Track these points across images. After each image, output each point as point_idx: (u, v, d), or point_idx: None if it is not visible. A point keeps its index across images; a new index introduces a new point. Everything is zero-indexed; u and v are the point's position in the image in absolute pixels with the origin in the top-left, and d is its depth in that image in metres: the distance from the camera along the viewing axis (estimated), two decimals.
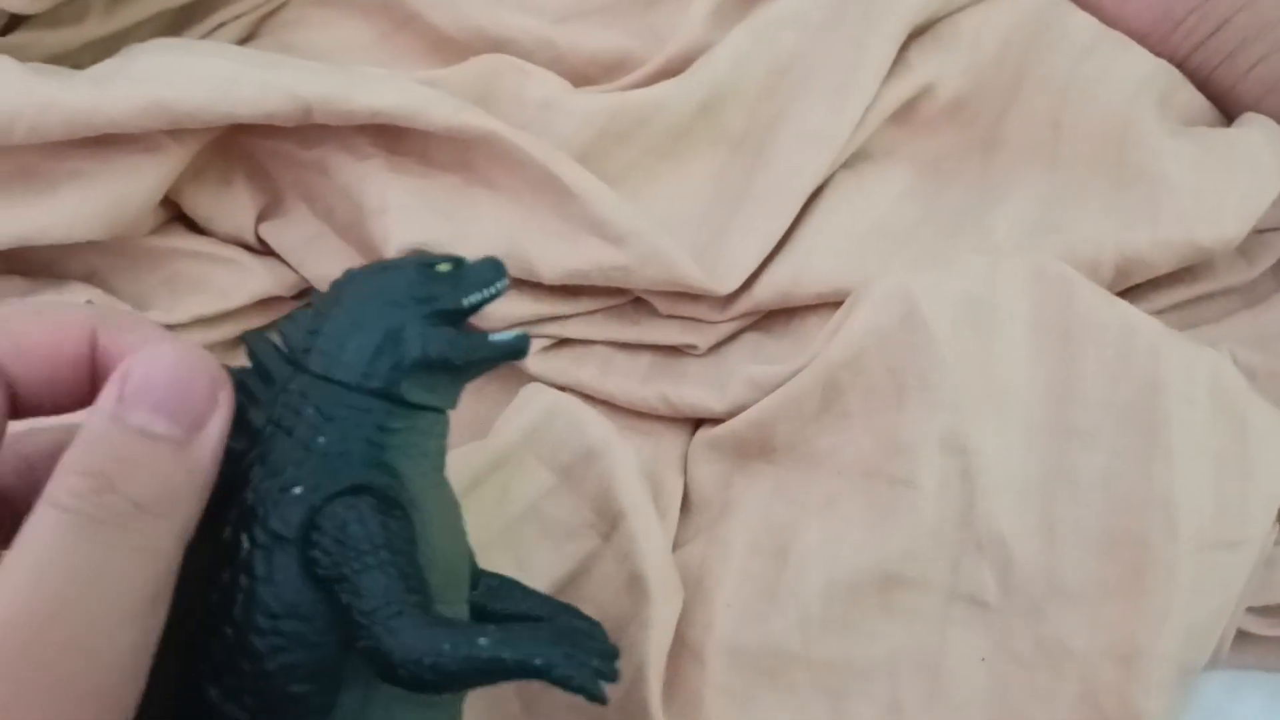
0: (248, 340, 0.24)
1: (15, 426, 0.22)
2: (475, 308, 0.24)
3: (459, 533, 0.25)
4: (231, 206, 0.40)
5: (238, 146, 0.39)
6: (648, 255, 0.36)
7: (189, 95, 0.35)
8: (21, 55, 0.37)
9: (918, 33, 0.42)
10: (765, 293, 0.38)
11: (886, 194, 0.40)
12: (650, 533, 0.32)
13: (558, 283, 0.37)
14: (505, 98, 0.39)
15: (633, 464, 0.33)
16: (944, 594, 0.31)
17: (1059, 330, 0.33)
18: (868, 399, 0.33)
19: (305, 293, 0.40)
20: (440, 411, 0.25)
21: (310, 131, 0.38)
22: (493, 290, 0.25)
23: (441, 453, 0.25)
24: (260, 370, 0.23)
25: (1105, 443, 0.32)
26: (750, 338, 0.39)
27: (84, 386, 0.22)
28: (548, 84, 0.40)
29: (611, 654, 0.22)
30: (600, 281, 0.37)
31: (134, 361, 0.20)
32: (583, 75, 0.42)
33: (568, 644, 0.21)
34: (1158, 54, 0.42)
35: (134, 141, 0.36)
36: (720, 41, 0.40)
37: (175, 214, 0.40)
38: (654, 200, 0.39)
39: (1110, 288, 0.36)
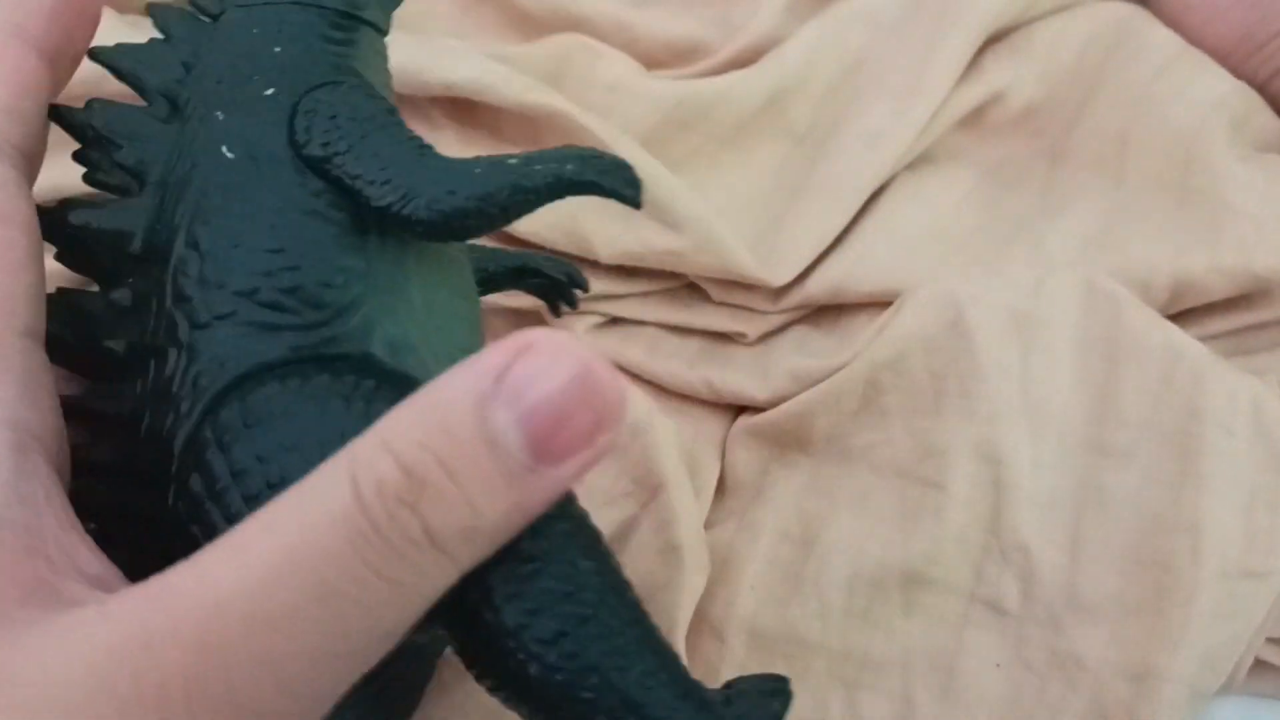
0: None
1: None
2: None
3: None
4: None
5: None
6: (703, 242, 0.37)
7: None
8: (120, 7, 0.39)
9: (994, 40, 0.42)
10: (817, 288, 0.38)
11: (947, 198, 0.40)
12: (687, 506, 0.33)
13: (614, 263, 0.38)
14: (576, 77, 0.40)
15: (674, 441, 0.34)
16: (965, 598, 0.32)
17: (1104, 349, 0.34)
18: (907, 400, 0.34)
19: None
20: (379, 31, 0.24)
21: None
22: None
23: (389, 79, 0.24)
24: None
25: (1139, 464, 0.32)
26: (798, 331, 0.39)
27: None
28: (618, 66, 0.40)
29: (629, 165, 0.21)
30: (655, 264, 0.38)
31: (528, 347, 0.16)
32: (656, 60, 0.43)
33: (593, 156, 0.21)
34: (1238, 76, 0.41)
35: None
36: (792, 35, 0.41)
37: None
38: (715, 188, 0.40)
39: (1163, 309, 0.36)
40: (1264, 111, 0.41)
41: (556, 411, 0.15)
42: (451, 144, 0.39)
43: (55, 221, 0.20)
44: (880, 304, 0.38)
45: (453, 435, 0.15)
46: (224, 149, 0.20)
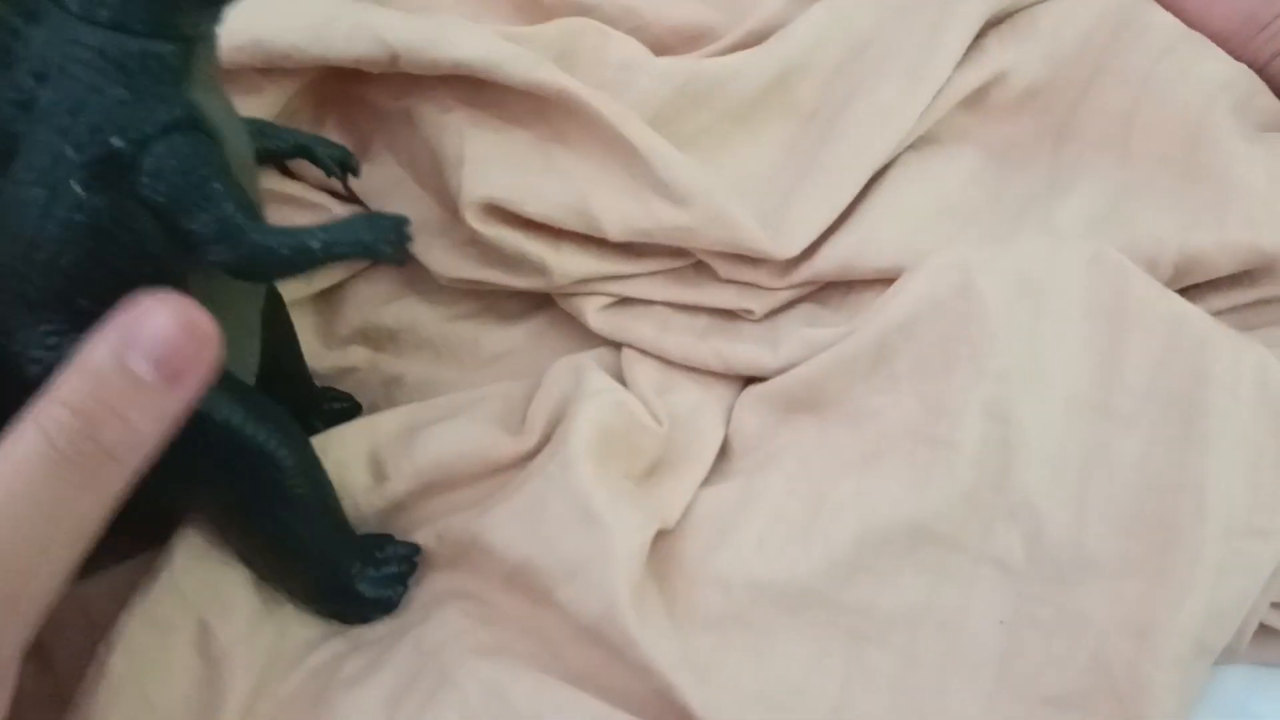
0: None
1: None
2: None
3: (248, 152, 0.28)
4: None
5: (330, 94, 0.41)
6: (712, 216, 0.37)
7: (284, 36, 0.37)
8: None
9: (995, 22, 0.42)
10: (826, 263, 0.38)
11: (953, 177, 0.41)
12: (585, 471, 0.33)
13: (623, 240, 0.38)
14: (586, 56, 0.41)
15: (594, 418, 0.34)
16: (973, 555, 0.32)
17: (1110, 317, 0.34)
18: (917, 363, 0.34)
19: None
20: (210, 40, 0.25)
21: (397, 83, 0.39)
22: None
23: (218, 77, 0.26)
24: (23, 13, 0.23)
25: (1145, 427, 0.32)
26: (806, 308, 0.39)
27: None
28: (628, 47, 0.41)
29: (402, 224, 0.26)
30: (664, 241, 0.38)
31: (139, 308, 0.21)
32: (664, 45, 0.43)
33: (375, 227, 0.26)
34: (1239, 58, 0.42)
35: (231, 82, 0.38)
36: (799, 17, 0.41)
37: None
38: (725, 165, 0.40)
39: (1170, 285, 0.37)
40: (1265, 94, 0.42)
41: (173, 343, 0.21)
42: (461, 124, 0.39)
43: None
44: (887, 280, 0.38)
45: (108, 382, 0.21)
46: (72, 184, 0.23)
